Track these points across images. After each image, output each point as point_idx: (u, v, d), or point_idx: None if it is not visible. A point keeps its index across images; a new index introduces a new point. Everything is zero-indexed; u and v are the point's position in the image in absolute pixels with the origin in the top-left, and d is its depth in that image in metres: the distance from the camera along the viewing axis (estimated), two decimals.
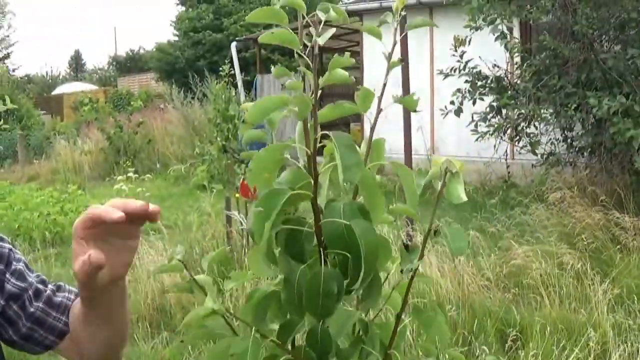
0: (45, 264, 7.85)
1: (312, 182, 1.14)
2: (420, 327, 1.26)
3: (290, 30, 1.10)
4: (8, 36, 44.52)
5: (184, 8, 30.90)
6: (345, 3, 16.50)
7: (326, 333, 1.15)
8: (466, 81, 9.72)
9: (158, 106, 22.99)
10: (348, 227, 1.08)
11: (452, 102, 9.76)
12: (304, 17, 1.12)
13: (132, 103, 25.79)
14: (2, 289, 1.51)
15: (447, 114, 9.82)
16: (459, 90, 9.73)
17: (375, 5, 14.03)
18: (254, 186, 1.14)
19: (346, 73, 1.15)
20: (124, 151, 17.11)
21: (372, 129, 1.26)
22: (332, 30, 1.12)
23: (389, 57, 1.25)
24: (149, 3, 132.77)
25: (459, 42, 9.18)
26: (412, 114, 12.02)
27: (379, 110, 1.23)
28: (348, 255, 1.09)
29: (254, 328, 1.16)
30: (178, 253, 1.20)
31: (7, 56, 44.39)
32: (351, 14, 15.11)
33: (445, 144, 13.63)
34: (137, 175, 12.43)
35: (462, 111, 9.69)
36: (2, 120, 18.76)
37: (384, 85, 1.25)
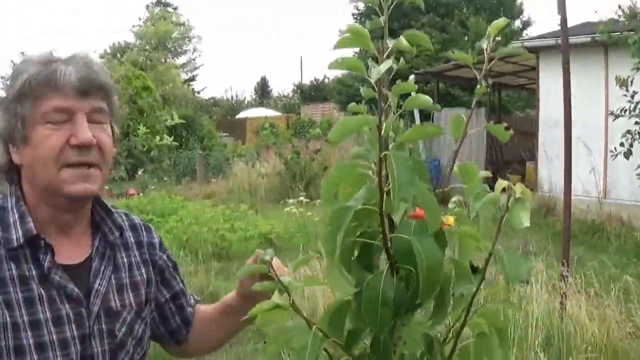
0: (205, 276, 7.99)
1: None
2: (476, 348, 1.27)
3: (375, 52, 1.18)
4: (194, 59, 46.70)
5: None
6: (521, 39, 16.34)
7: (388, 343, 1.19)
8: (636, 122, 9.43)
9: None
10: (411, 243, 1.12)
11: (621, 144, 9.49)
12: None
13: (310, 131, 26.44)
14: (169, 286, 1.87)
15: (616, 155, 9.55)
16: (628, 131, 9.45)
17: (551, 42, 13.76)
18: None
19: (433, 104, 1.19)
20: (299, 176, 17.47)
21: (454, 155, 1.33)
22: (389, 62, 1.14)
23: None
24: (335, 33, 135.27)
25: (621, 82, 8.91)
26: (583, 155, 11.75)
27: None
28: (412, 270, 1.13)
29: (314, 326, 1.19)
30: (267, 254, 1.31)
31: (192, 79, 46.55)
32: (529, 50, 14.94)
33: (617, 186, 13.09)
34: (308, 200, 12.71)
35: (631, 154, 9.38)
36: (172, 136, 19.62)
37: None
